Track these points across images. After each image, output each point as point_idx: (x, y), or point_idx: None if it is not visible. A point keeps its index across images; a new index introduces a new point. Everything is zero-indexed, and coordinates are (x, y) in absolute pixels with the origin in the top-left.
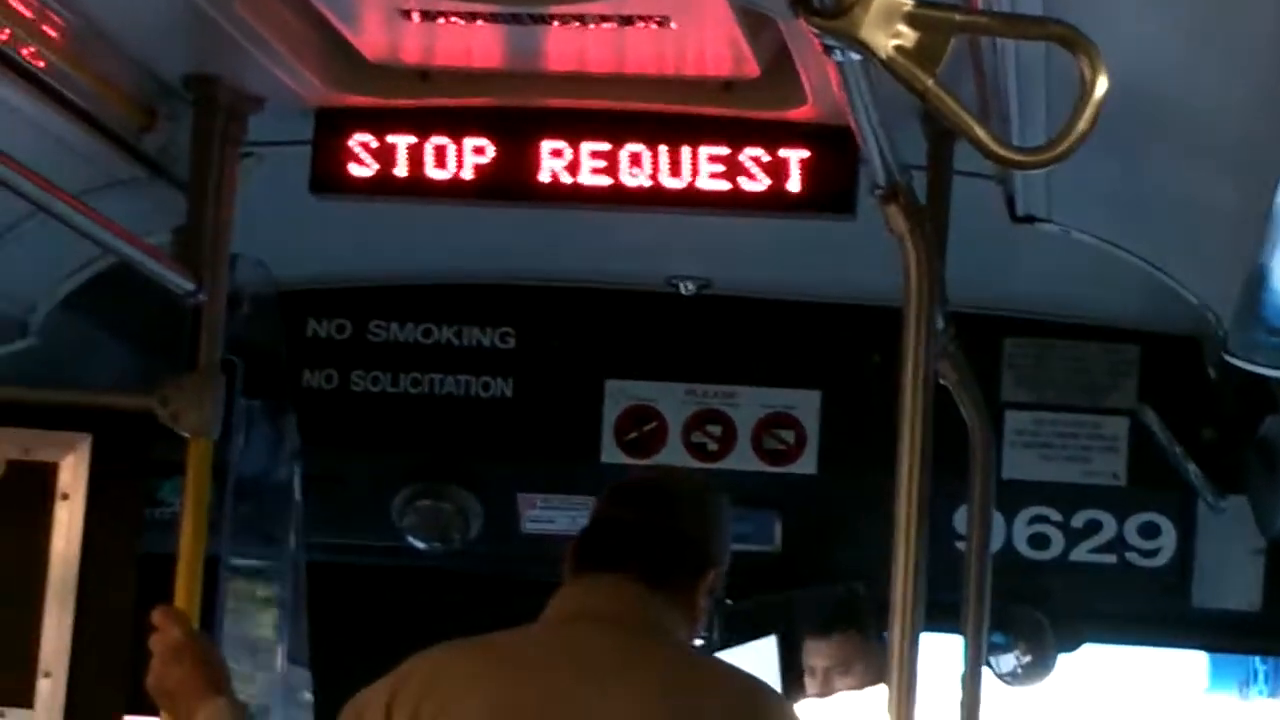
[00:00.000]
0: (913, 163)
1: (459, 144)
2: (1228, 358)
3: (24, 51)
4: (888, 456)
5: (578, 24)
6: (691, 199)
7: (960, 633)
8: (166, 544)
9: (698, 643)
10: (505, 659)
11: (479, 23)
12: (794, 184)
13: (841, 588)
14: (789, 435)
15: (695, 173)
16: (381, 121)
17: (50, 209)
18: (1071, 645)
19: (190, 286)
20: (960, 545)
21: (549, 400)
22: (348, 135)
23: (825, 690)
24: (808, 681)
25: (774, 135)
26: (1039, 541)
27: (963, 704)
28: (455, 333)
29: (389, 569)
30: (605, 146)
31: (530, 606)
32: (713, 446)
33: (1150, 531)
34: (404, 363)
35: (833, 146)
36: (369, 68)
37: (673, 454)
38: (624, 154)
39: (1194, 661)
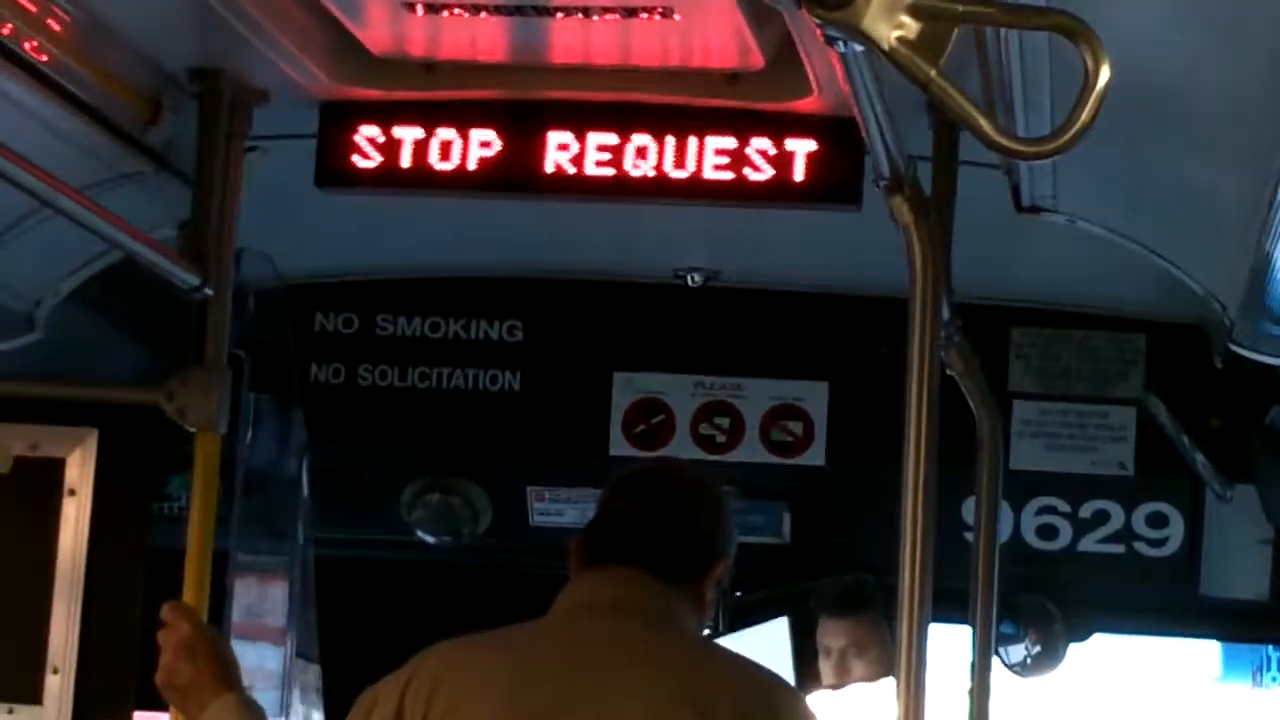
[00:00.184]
0: (918, 153)
1: (464, 136)
2: (1234, 347)
3: (28, 45)
4: (896, 447)
5: (582, 16)
6: (697, 190)
7: (969, 623)
8: (174, 539)
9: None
10: (517, 652)
11: (483, 15)
12: (799, 175)
13: (850, 578)
14: (797, 427)
15: (701, 164)
16: (387, 114)
17: (55, 204)
18: (1081, 635)
19: (196, 281)
20: (968, 536)
21: (557, 393)
22: (353, 128)
23: (841, 672)
24: (822, 664)
25: (779, 126)
26: (1047, 532)
27: (972, 694)
28: (463, 326)
29: (398, 563)
30: (611, 138)
31: (540, 599)
32: (721, 438)
33: (1158, 521)
34: (412, 356)
35: (838, 137)
36: (374, 60)
37: (681, 446)
38: (630, 146)
39: (1206, 651)
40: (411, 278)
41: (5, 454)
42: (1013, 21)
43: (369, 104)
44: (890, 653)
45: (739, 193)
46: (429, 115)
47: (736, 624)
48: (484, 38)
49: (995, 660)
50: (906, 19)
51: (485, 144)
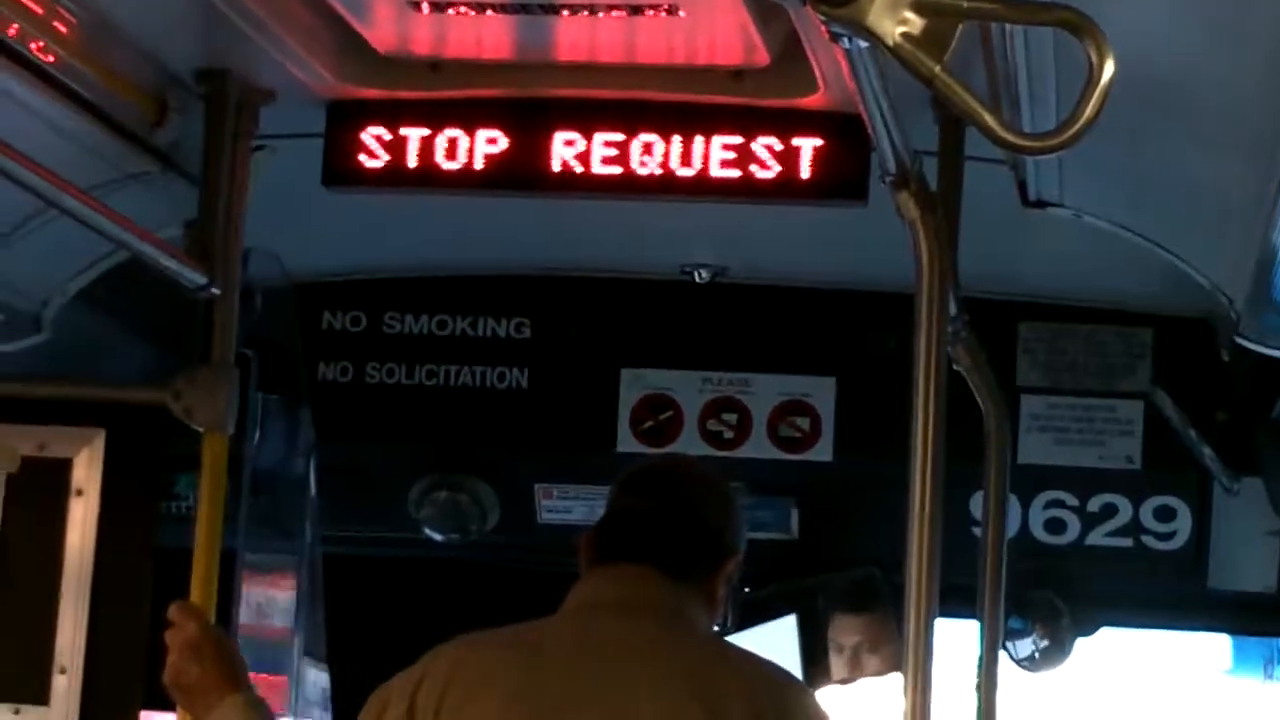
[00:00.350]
0: (924, 149)
1: (471, 135)
2: (1240, 340)
3: (34, 46)
4: (904, 443)
5: (587, 13)
6: (704, 187)
7: (977, 618)
8: (182, 539)
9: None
10: (527, 650)
11: (489, 13)
12: (806, 171)
13: (858, 573)
14: (804, 422)
15: (707, 161)
16: (393, 113)
17: (61, 204)
18: (1089, 629)
19: (203, 280)
20: (976, 530)
21: (565, 390)
22: (360, 127)
23: (853, 668)
24: (833, 660)
25: (785, 123)
26: (1055, 526)
27: (979, 689)
28: (470, 324)
29: (406, 561)
30: (618, 136)
31: (548, 596)
32: (729, 434)
33: (1166, 515)
34: (419, 354)
35: (844, 134)
36: (380, 60)
37: (689, 442)
38: (636, 143)
39: (1216, 644)
40: (419, 276)
41: (13, 454)
42: (1017, 17)
43: (375, 103)
44: (900, 648)
45: (745, 189)
46: (435, 114)
47: (745, 621)
48: (490, 36)
49: (1003, 655)
50: (911, 15)
51: (492, 142)
